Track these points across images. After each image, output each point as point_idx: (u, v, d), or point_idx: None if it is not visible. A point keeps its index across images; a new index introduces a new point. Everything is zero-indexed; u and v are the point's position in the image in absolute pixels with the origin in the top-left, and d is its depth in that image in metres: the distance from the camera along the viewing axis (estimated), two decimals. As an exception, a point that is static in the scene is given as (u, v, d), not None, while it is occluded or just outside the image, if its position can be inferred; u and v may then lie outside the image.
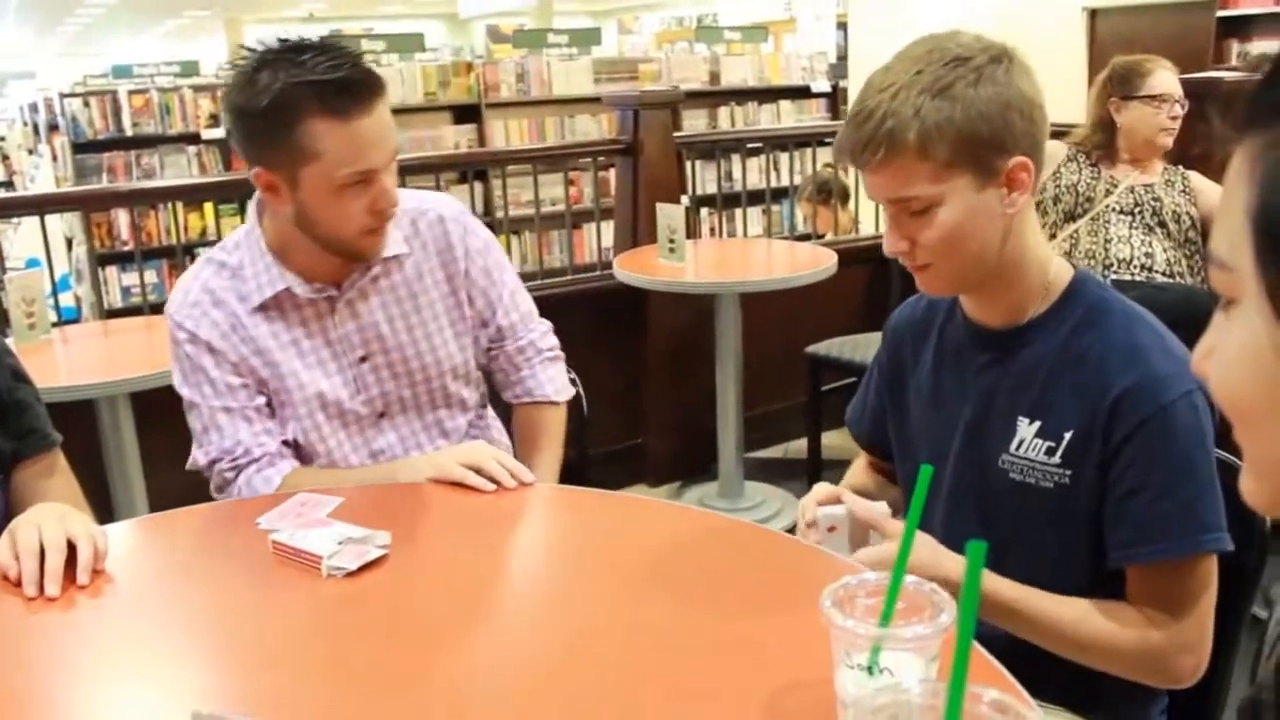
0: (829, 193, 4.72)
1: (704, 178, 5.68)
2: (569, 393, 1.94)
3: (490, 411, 1.98)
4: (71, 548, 1.33)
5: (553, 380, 1.91)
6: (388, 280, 1.75)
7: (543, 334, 1.92)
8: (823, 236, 4.76)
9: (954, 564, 1.26)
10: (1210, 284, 0.58)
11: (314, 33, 1.71)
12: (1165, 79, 3.12)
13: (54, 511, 1.39)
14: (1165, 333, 1.31)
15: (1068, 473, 1.30)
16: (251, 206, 1.72)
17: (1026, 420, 1.33)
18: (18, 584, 1.30)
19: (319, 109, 1.51)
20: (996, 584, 1.28)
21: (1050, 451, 1.31)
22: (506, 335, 1.87)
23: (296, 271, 1.68)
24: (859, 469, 1.67)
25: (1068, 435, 1.29)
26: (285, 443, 1.74)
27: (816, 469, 3.88)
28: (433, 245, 1.78)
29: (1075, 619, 1.28)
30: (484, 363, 1.90)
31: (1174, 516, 1.24)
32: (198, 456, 1.72)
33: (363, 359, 1.74)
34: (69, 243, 6.28)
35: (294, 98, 1.51)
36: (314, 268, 1.69)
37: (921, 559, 1.23)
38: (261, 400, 1.72)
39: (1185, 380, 1.24)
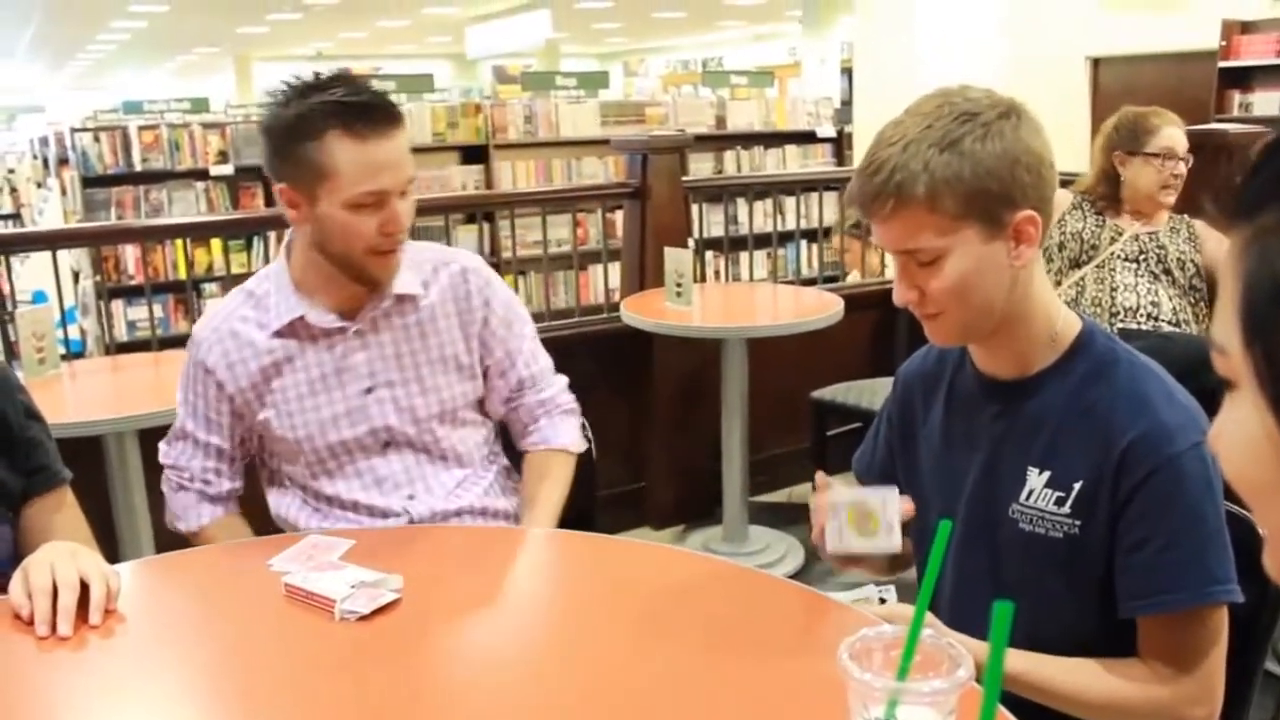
0: (869, 229, 4.73)
1: (710, 221, 5.71)
2: (582, 446, 1.97)
3: (499, 463, 1.97)
4: (84, 586, 1.33)
5: (569, 432, 1.95)
6: (401, 318, 1.80)
7: (560, 389, 1.97)
8: (847, 275, 4.78)
9: (974, 648, 1.27)
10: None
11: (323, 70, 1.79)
12: (1171, 135, 3.12)
13: (66, 549, 1.39)
14: (1173, 384, 1.31)
15: (1077, 523, 1.30)
16: (284, 243, 1.81)
17: (1036, 470, 1.33)
18: (30, 623, 1.30)
19: (339, 128, 1.61)
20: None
21: (1060, 502, 1.31)
22: (526, 387, 1.92)
23: (314, 301, 1.76)
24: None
25: (1077, 485, 1.30)
26: (232, 492, 1.87)
27: (821, 514, 3.86)
28: (450, 293, 1.83)
29: (1081, 685, 1.28)
30: (502, 413, 1.93)
31: (1182, 567, 1.24)
32: (161, 447, 1.89)
33: (368, 390, 1.79)
34: (75, 276, 6.30)
35: (316, 116, 1.61)
36: (331, 296, 1.76)
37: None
38: (229, 447, 1.84)
39: (1193, 432, 1.25)
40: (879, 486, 1.35)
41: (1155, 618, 1.28)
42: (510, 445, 1.99)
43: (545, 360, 1.96)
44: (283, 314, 1.76)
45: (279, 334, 1.77)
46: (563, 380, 1.98)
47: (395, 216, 1.67)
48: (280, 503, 1.88)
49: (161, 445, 1.90)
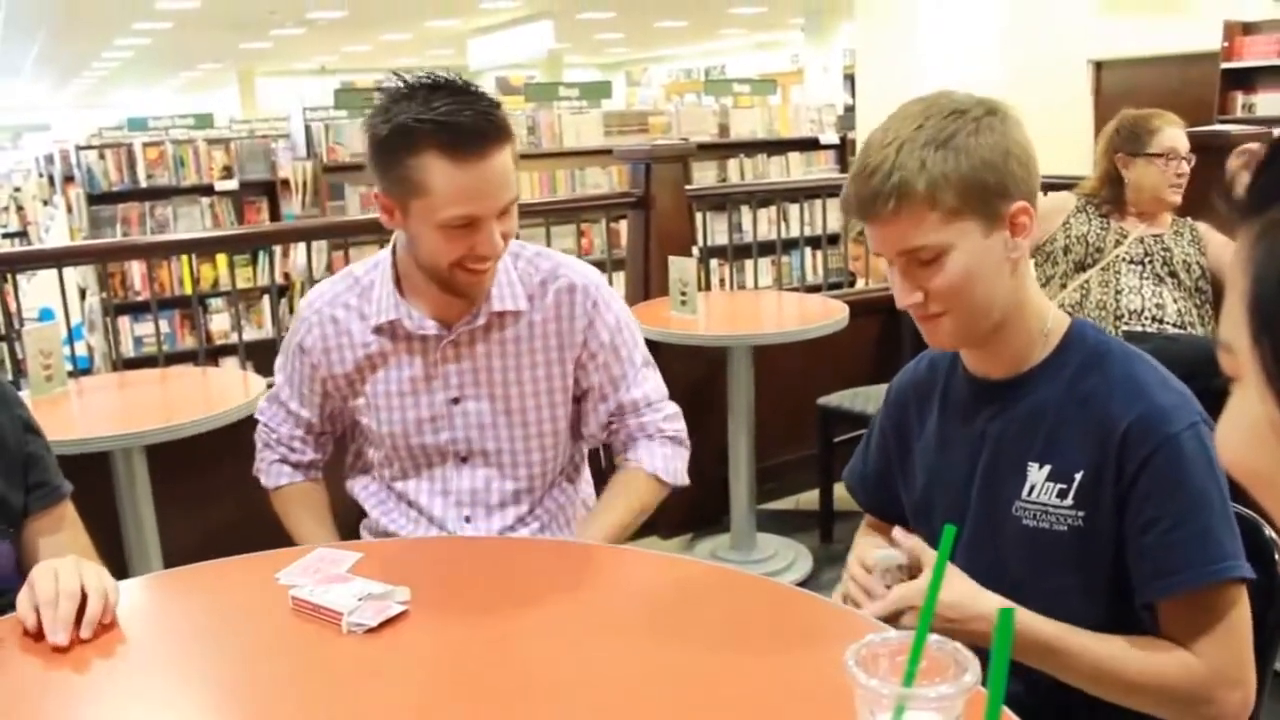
0: None
1: (714, 229, 5.72)
2: (680, 479, 1.87)
3: (585, 489, 1.95)
4: (84, 597, 1.33)
5: (667, 459, 1.85)
6: (499, 333, 1.77)
7: (667, 415, 1.88)
8: (853, 282, 4.78)
9: (994, 601, 1.27)
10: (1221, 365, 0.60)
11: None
12: (1172, 136, 3.13)
13: (70, 561, 1.39)
14: (1165, 371, 1.33)
15: (1081, 514, 1.31)
16: (393, 237, 1.79)
17: (1036, 465, 1.34)
18: (37, 634, 1.30)
19: (435, 148, 1.55)
20: (1032, 622, 1.27)
21: (1062, 494, 1.32)
22: (628, 411, 1.85)
23: (415, 305, 1.75)
24: (864, 534, 1.66)
25: (1078, 476, 1.31)
26: (315, 461, 1.93)
27: (829, 521, 3.87)
28: (554, 311, 1.78)
29: (1115, 655, 1.27)
30: (602, 438, 1.89)
31: (1190, 545, 1.24)
32: (260, 403, 1.96)
33: (455, 400, 1.78)
34: (82, 293, 6.33)
35: (413, 132, 1.55)
36: (431, 304, 1.75)
37: (961, 595, 1.25)
38: (318, 421, 1.89)
39: (1188, 413, 1.27)
40: (893, 549, 1.34)
41: (1173, 600, 1.27)
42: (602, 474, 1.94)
43: (654, 385, 1.88)
44: (383, 311, 1.75)
45: (378, 329, 1.77)
46: (673, 408, 1.90)
47: (488, 240, 1.61)
48: (356, 482, 1.92)
49: (260, 401, 1.96)
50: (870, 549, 1.36)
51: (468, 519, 1.81)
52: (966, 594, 1.26)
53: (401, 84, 1.61)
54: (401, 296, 1.76)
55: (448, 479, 1.82)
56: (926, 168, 1.24)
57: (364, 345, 1.78)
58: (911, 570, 1.31)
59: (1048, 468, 1.33)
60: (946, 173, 1.24)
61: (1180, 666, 1.25)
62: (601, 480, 1.94)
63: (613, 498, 1.83)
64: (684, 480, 1.87)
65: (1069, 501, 1.31)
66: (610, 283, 1.87)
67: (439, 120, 1.54)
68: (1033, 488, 1.34)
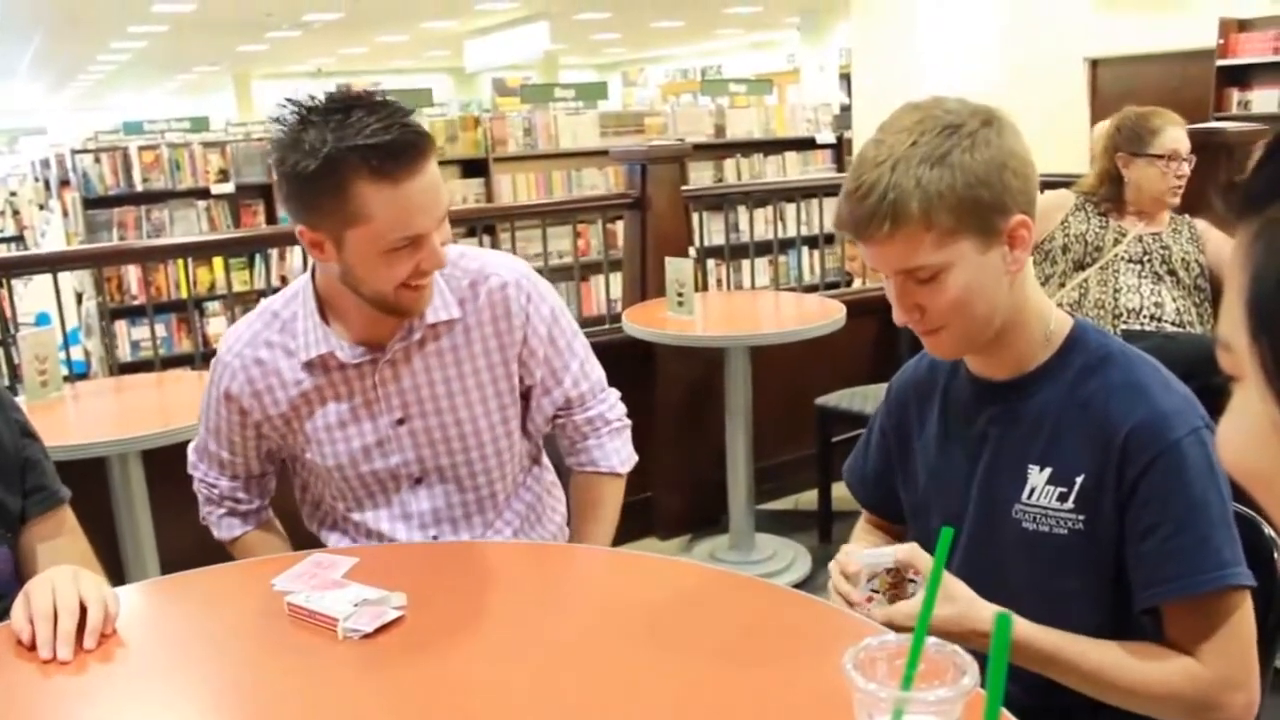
0: None
1: (710, 229, 5.71)
2: (633, 462, 1.89)
3: (548, 476, 1.94)
4: (83, 609, 1.33)
5: (618, 451, 1.87)
6: (434, 344, 1.71)
7: (611, 405, 1.88)
8: (850, 282, 4.78)
9: (992, 614, 1.26)
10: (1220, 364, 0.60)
11: (321, 90, 1.70)
12: (1174, 137, 3.11)
13: (68, 573, 1.38)
14: (1167, 374, 1.33)
15: (1081, 518, 1.30)
16: (310, 265, 1.71)
17: (1037, 468, 1.34)
18: (31, 648, 1.30)
19: (368, 174, 1.47)
20: (1033, 633, 1.27)
21: (1062, 497, 1.32)
22: (574, 404, 1.83)
23: (342, 331, 1.68)
24: (863, 531, 1.66)
25: (1079, 480, 1.30)
26: (262, 506, 1.87)
27: (828, 520, 3.87)
28: (489, 313, 1.73)
29: (1119, 662, 1.27)
30: (547, 430, 1.87)
31: (1188, 553, 1.24)
32: (189, 456, 1.86)
33: (400, 421, 1.71)
34: (79, 297, 6.32)
35: (342, 162, 1.46)
36: (360, 326, 1.68)
37: (959, 611, 1.24)
38: (256, 467, 1.81)
39: (1192, 417, 1.27)
40: (883, 548, 1.33)
41: (1175, 606, 1.27)
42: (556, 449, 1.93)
43: (596, 376, 1.86)
44: (311, 345, 1.67)
45: (308, 365, 1.69)
46: (613, 395, 1.89)
47: (433, 253, 1.56)
48: (314, 515, 1.86)
49: (189, 453, 1.85)
50: (858, 550, 1.35)
51: (435, 538, 1.77)
52: (965, 606, 1.25)
53: (299, 110, 1.52)
54: (327, 325, 1.68)
55: (405, 503, 1.76)
56: (921, 186, 1.22)
57: (296, 383, 1.69)
58: (899, 572, 1.30)
59: (1048, 471, 1.33)
60: (942, 191, 1.22)
61: (1184, 673, 1.25)
62: (559, 459, 1.95)
63: (590, 511, 1.86)
64: (635, 461, 1.89)
65: (1069, 505, 1.31)
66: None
67: (368, 144, 1.46)
68: (1033, 490, 1.34)
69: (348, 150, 1.46)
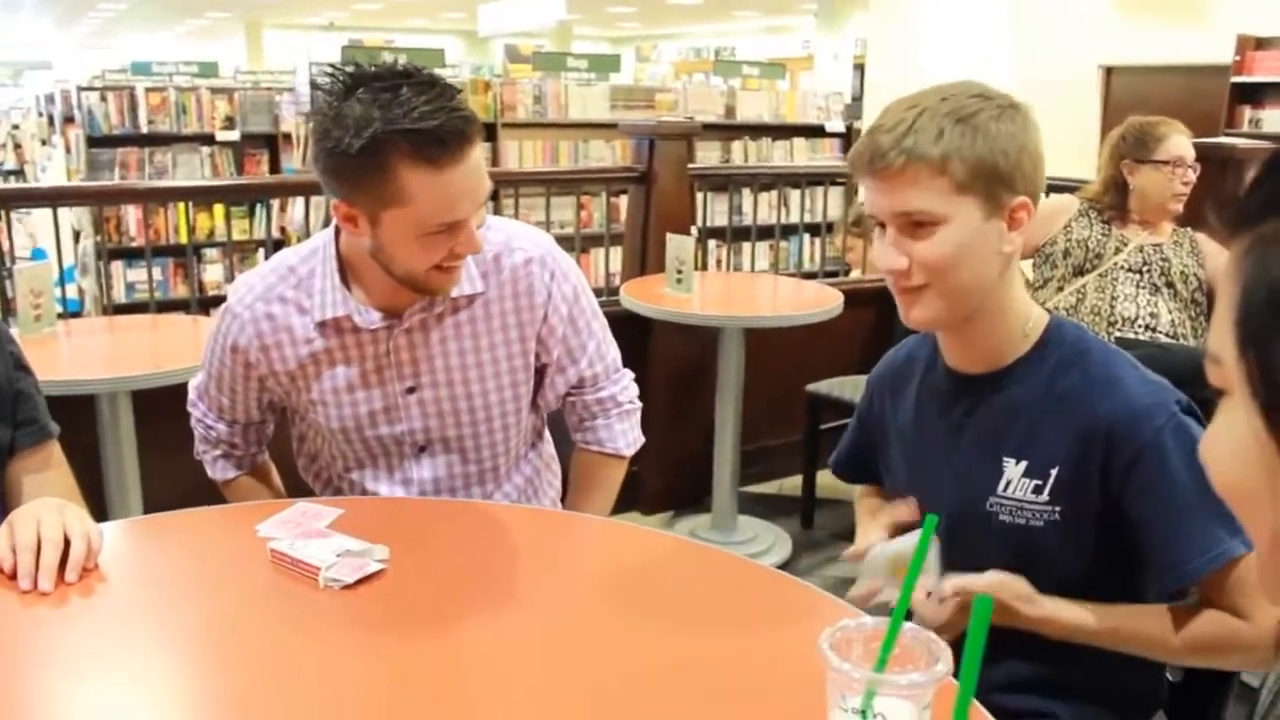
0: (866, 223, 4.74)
1: (714, 210, 5.70)
2: (638, 445, 1.89)
3: (548, 450, 1.94)
4: (67, 542, 1.33)
5: (625, 434, 1.87)
6: (453, 317, 1.68)
7: (624, 387, 1.87)
8: (849, 271, 4.78)
9: (1051, 606, 1.30)
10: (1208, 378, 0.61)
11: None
12: (1179, 144, 3.13)
13: (53, 505, 1.39)
14: (1141, 366, 1.35)
15: (1057, 509, 1.32)
16: (334, 223, 1.64)
17: (1013, 460, 1.35)
18: (12, 577, 1.30)
19: (412, 158, 1.44)
20: (1084, 618, 1.30)
21: (1037, 490, 1.33)
22: (587, 384, 1.81)
23: (362, 296, 1.65)
24: (863, 494, 1.68)
25: (1054, 472, 1.32)
26: (259, 452, 1.87)
27: (811, 507, 3.89)
28: (510, 288, 1.70)
29: (1166, 628, 1.30)
30: (557, 407, 1.86)
31: (1188, 539, 1.26)
32: (189, 394, 1.84)
33: (410, 390, 1.69)
34: (76, 235, 6.30)
35: (387, 143, 1.43)
36: (380, 294, 1.65)
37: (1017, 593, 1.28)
38: (256, 416, 1.80)
39: (1167, 404, 1.29)
40: (898, 540, 1.34)
41: (1200, 585, 1.29)
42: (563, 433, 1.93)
43: (612, 357, 1.84)
44: (328, 306, 1.63)
45: (322, 325, 1.65)
46: (627, 377, 1.88)
47: (469, 239, 1.53)
48: (309, 468, 1.85)
49: (190, 390, 1.83)
50: (874, 537, 1.36)
51: None
52: (1022, 595, 1.29)
53: (344, 78, 1.47)
54: (346, 289, 1.65)
55: (407, 469, 1.75)
56: (944, 137, 1.24)
57: (306, 341, 1.66)
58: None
59: (1024, 463, 1.34)
60: (962, 146, 1.25)
61: (1230, 626, 1.27)
62: (557, 430, 1.95)
63: (589, 489, 1.87)
64: (641, 443, 1.90)
65: (1044, 497, 1.33)
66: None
67: (416, 128, 1.42)
68: (1009, 483, 1.35)
69: (394, 133, 1.43)
